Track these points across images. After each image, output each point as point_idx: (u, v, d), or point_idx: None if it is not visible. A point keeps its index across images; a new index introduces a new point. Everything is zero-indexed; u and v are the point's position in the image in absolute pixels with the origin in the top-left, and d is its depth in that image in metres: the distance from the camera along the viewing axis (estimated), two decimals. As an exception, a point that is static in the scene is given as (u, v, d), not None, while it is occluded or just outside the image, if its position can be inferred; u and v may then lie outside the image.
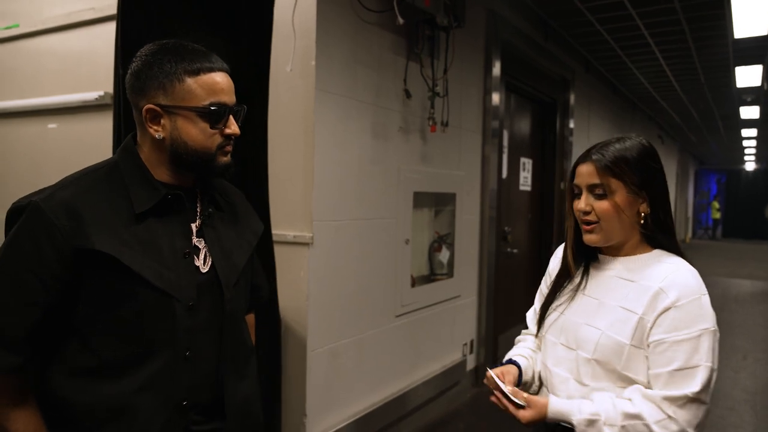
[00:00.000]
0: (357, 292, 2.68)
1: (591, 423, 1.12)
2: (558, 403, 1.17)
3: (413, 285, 3.13)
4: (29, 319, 1.01)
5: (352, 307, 2.65)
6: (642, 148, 1.23)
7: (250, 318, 1.41)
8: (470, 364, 3.80)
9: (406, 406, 3.06)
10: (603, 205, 1.20)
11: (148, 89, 1.06)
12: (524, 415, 1.17)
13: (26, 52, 3.18)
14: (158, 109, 1.06)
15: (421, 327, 3.20)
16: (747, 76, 6.44)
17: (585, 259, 1.31)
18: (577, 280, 1.30)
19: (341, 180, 2.55)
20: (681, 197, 15.26)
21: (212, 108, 1.06)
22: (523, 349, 1.41)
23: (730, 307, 7.01)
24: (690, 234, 18.16)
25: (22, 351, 1.02)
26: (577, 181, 1.25)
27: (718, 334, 1.14)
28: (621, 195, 1.19)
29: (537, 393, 1.36)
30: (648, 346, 1.14)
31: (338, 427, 2.57)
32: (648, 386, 1.16)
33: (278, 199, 2.37)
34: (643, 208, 1.21)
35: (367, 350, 2.77)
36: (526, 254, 4.97)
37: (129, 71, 1.10)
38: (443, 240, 3.48)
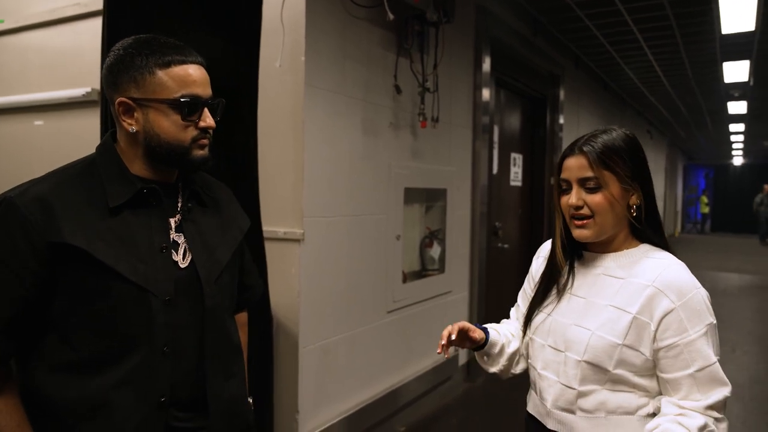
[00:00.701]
0: (348, 288, 2.67)
1: None
2: None
3: (404, 281, 3.13)
4: (6, 314, 1.01)
5: (344, 303, 2.65)
6: (628, 139, 1.21)
7: (242, 317, 1.40)
8: (462, 360, 3.81)
9: (398, 402, 3.06)
10: (596, 198, 1.16)
11: (121, 83, 1.06)
12: None
13: (11, 48, 3.14)
14: (131, 102, 1.06)
15: (413, 323, 3.21)
16: (734, 71, 6.49)
17: (570, 257, 1.28)
18: (563, 279, 1.27)
19: (331, 176, 2.54)
20: (670, 192, 15.38)
21: (183, 100, 1.06)
22: (500, 325, 1.42)
23: (718, 301, 7.07)
24: (679, 228, 18.32)
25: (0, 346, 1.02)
26: (565, 175, 1.21)
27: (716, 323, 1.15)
28: (615, 187, 1.16)
29: (505, 372, 1.38)
30: (657, 351, 1.13)
31: (330, 424, 2.57)
32: (642, 386, 1.16)
33: (268, 195, 2.36)
34: (634, 200, 1.19)
35: (359, 346, 2.77)
36: (516, 249, 4.98)
37: (104, 66, 1.10)
38: (434, 236, 3.48)
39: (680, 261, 1.19)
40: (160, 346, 1.06)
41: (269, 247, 2.30)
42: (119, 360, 1.04)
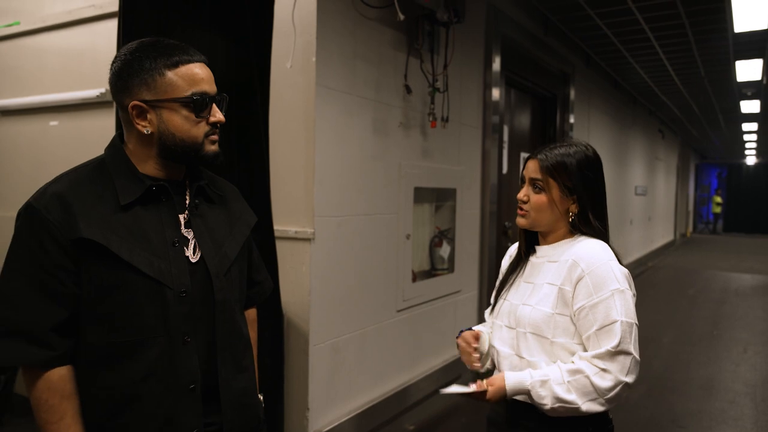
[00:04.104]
0: (358, 287, 2.69)
1: (543, 383, 1.29)
2: (512, 376, 1.34)
3: (414, 280, 3.14)
4: (52, 311, 1.04)
5: (354, 302, 2.67)
6: (584, 157, 1.40)
7: (251, 313, 1.42)
8: (471, 359, 3.81)
9: (408, 401, 3.08)
10: (537, 198, 1.41)
11: (132, 87, 1.09)
12: (489, 392, 1.35)
13: (27, 49, 3.18)
14: (143, 104, 1.09)
15: (422, 322, 3.22)
16: (747, 70, 6.44)
17: (527, 252, 1.50)
18: (519, 270, 1.50)
19: (342, 176, 2.56)
20: (682, 191, 15.25)
21: (195, 97, 1.09)
22: (481, 326, 1.62)
23: (731, 301, 6.99)
24: (690, 228, 18.15)
25: (54, 345, 1.04)
26: (524, 173, 1.46)
27: (629, 293, 1.31)
28: (555, 193, 1.39)
29: (492, 372, 1.53)
30: (575, 315, 1.31)
31: (340, 422, 2.59)
32: (581, 350, 1.32)
33: (280, 194, 2.39)
34: (573, 209, 1.40)
35: (369, 345, 2.79)
36: (526, 249, 4.97)
37: (111, 72, 1.12)
38: (444, 235, 3.49)
39: (604, 243, 1.38)
40: (180, 337, 1.09)
41: (280, 246, 2.32)
42: (140, 353, 1.07)
